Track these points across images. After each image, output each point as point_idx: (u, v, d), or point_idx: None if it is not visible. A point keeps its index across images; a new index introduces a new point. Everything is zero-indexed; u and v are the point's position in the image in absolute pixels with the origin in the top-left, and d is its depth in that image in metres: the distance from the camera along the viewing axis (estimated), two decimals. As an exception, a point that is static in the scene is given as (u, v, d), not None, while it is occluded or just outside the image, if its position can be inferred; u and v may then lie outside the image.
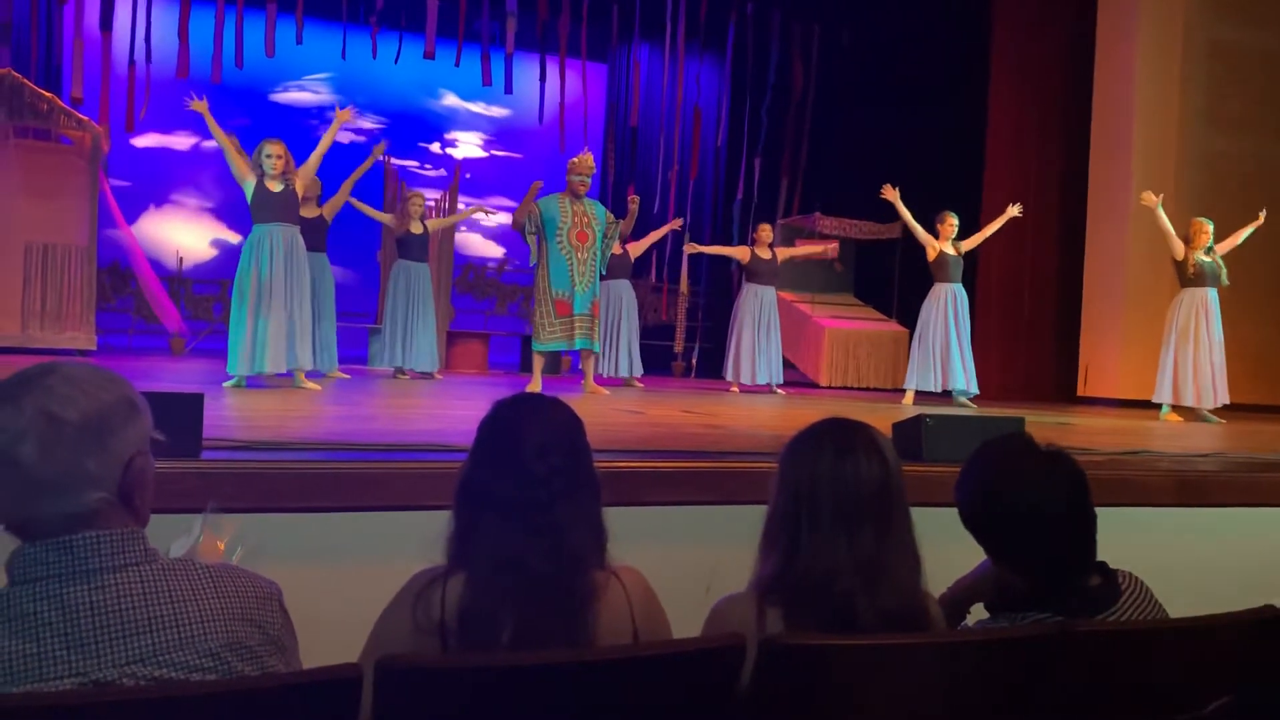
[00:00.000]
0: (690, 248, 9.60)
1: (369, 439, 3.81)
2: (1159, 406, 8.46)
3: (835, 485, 1.88)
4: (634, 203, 8.35)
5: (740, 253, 9.77)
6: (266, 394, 6.19)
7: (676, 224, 9.97)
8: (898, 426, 4.04)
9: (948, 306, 8.67)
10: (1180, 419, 8.28)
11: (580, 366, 8.05)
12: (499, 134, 14.54)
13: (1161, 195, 8.58)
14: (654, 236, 10.15)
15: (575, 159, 7.72)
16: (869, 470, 1.90)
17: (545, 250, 7.59)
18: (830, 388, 11.40)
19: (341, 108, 7.08)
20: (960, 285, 8.78)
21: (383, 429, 4.44)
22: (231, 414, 4.69)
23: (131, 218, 12.46)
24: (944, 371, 8.66)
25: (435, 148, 14.29)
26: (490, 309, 13.07)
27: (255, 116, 12.95)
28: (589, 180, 7.64)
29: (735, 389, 9.54)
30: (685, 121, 13.71)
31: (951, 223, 8.83)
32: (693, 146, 13.59)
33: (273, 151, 6.78)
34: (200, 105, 6.71)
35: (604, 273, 7.88)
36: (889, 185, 8.60)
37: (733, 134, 13.90)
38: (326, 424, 4.61)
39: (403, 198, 9.57)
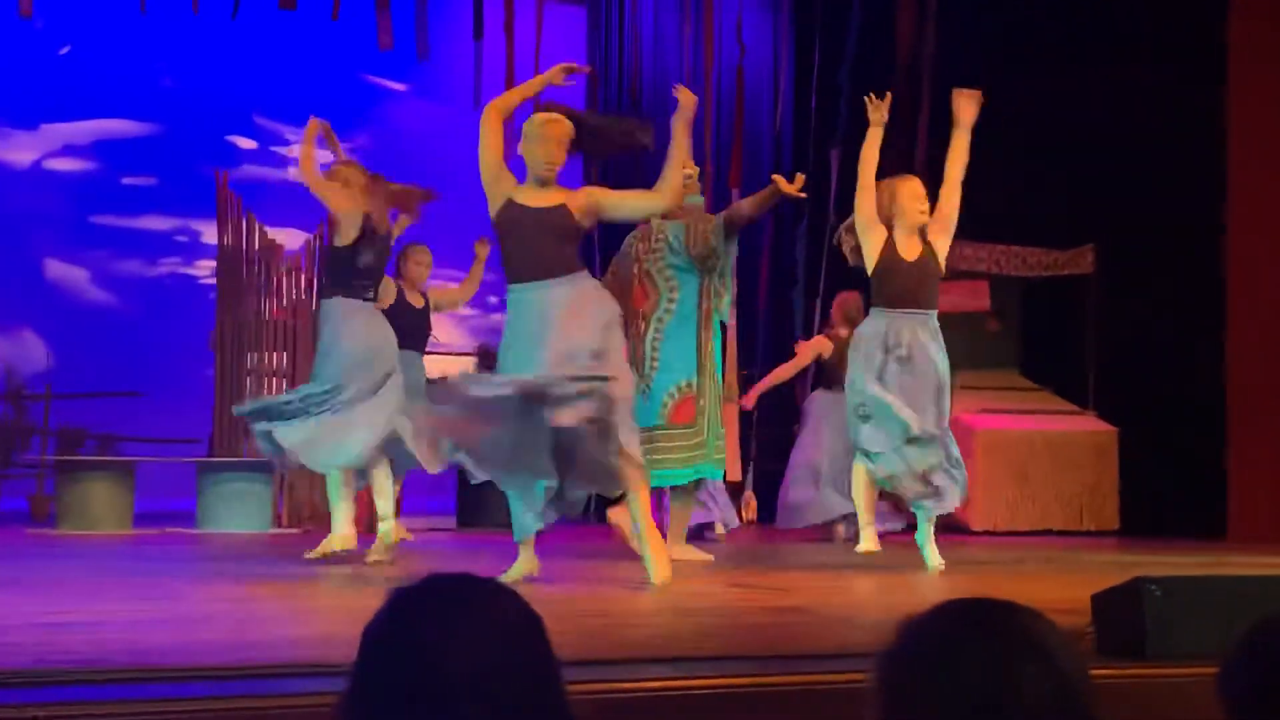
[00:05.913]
0: (746, 400, 7.99)
1: (179, 659, 2.97)
2: None
3: (975, 718, 1.38)
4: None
5: (816, 349, 7.89)
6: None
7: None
8: (1101, 600, 3.34)
9: None
10: None
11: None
12: (409, 133, 11.49)
13: None
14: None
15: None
16: (1032, 688, 1.34)
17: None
18: (988, 533, 8.83)
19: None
20: None
21: (212, 641, 3.46)
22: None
23: None
24: None
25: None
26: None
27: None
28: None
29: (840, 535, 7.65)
30: (722, 92, 10.51)
31: None
32: (734, 134, 10.29)
33: None
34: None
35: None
36: None
37: (799, 112, 10.63)
38: (106, 628, 3.74)
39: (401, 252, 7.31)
